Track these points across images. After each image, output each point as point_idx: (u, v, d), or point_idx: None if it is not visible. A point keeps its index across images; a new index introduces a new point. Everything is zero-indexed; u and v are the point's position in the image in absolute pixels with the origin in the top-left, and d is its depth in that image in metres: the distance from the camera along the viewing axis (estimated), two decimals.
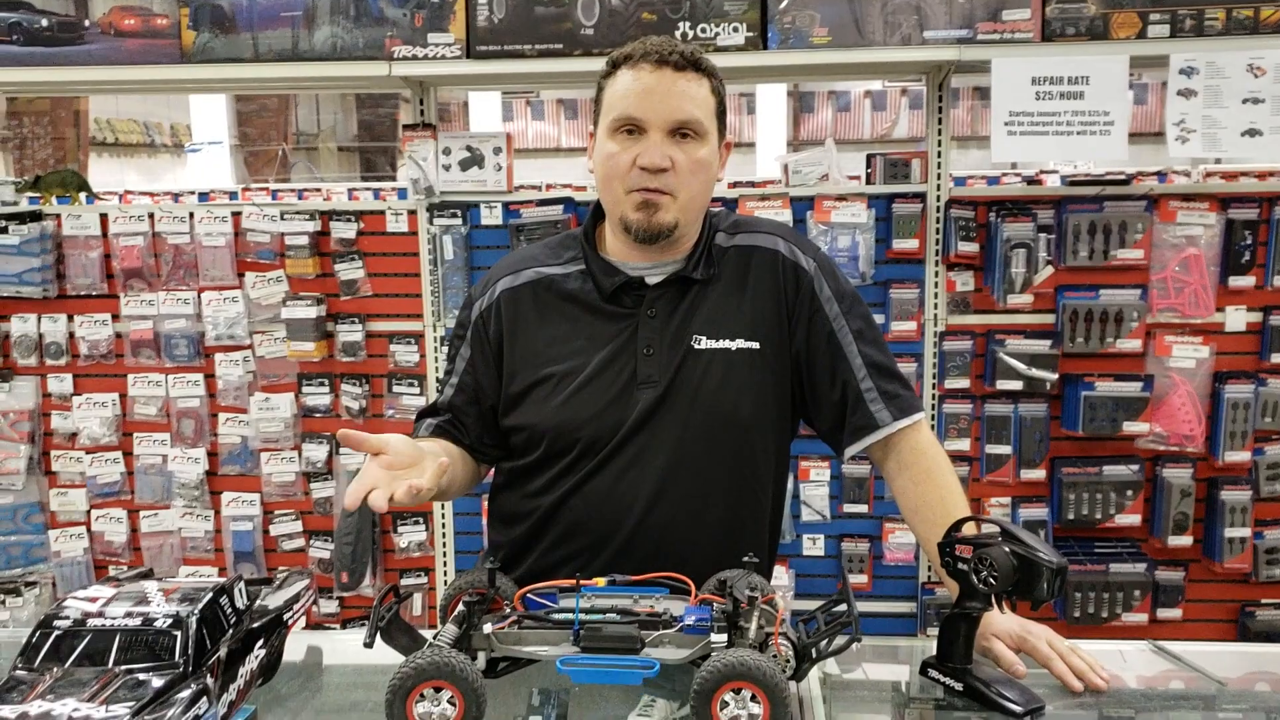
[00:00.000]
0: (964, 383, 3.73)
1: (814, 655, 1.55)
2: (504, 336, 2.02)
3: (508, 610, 1.60)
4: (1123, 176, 3.74)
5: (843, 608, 1.59)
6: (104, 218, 3.98)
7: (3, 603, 4.02)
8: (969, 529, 1.70)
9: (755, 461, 2.00)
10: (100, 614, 1.45)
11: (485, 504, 2.45)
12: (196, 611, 1.46)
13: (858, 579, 3.87)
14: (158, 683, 1.36)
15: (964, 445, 3.75)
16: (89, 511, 4.12)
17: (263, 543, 4.08)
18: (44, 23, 3.65)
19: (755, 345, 1.96)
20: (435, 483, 1.68)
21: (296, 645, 1.84)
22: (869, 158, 3.90)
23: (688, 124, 1.87)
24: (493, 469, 2.18)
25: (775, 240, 2.03)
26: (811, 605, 1.70)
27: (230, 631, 1.54)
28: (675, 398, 1.93)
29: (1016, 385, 3.66)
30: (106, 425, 4.03)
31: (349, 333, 3.90)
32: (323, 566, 4.02)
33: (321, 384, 3.97)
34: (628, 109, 1.87)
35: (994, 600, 1.63)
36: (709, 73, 1.92)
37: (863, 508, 3.88)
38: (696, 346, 1.94)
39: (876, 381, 1.99)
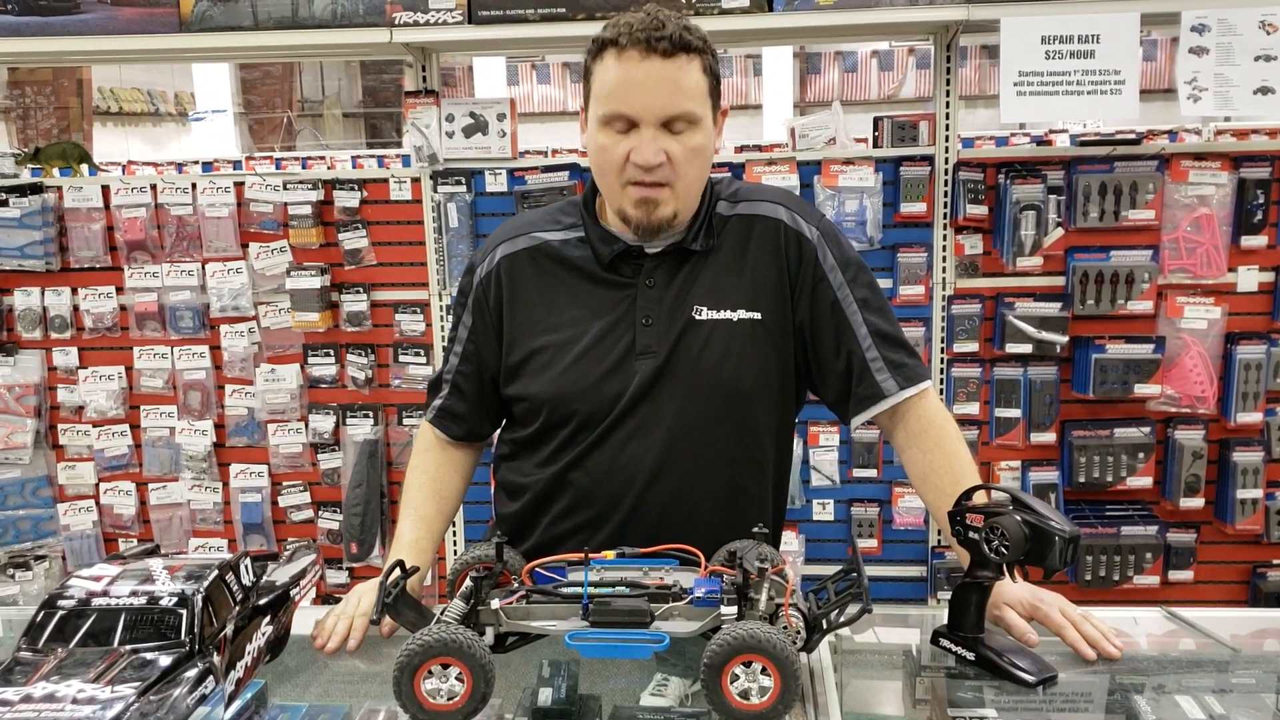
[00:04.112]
0: (973, 346, 3.70)
1: (825, 626, 1.54)
2: (504, 304, 2.00)
3: (516, 585, 1.59)
4: (1133, 136, 3.69)
5: (854, 577, 1.57)
6: (106, 189, 3.96)
7: (12, 577, 4.03)
8: (980, 497, 1.68)
9: (758, 432, 1.98)
10: (105, 593, 1.44)
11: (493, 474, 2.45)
12: (202, 589, 1.45)
13: (868, 544, 3.86)
14: (164, 662, 1.35)
15: (973, 409, 3.74)
16: (97, 485, 4.12)
17: (271, 514, 4.08)
18: None
19: (757, 316, 1.93)
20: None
21: (304, 620, 1.84)
22: (876, 120, 3.86)
23: (680, 116, 1.80)
24: (493, 442, 2.18)
25: (777, 209, 1.99)
26: (821, 570, 1.70)
27: (236, 608, 1.54)
28: (676, 369, 1.90)
29: (1026, 348, 3.64)
30: (113, 398, 4.03)
31: (354, 302, 3.89)
32: (331, 537, 4.02)
33: (327, 354, 3.95)
34: (617, 105, 1.80)
35: (1005, 569, 1.62)
36: (699, 50, 1.81)
37: (872, 472, 3.87)
38: (698, 317, 1.91)
39: (882, 351, 1.95)
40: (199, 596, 1.43)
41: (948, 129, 3.65)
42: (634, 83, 1.78)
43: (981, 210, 3.64)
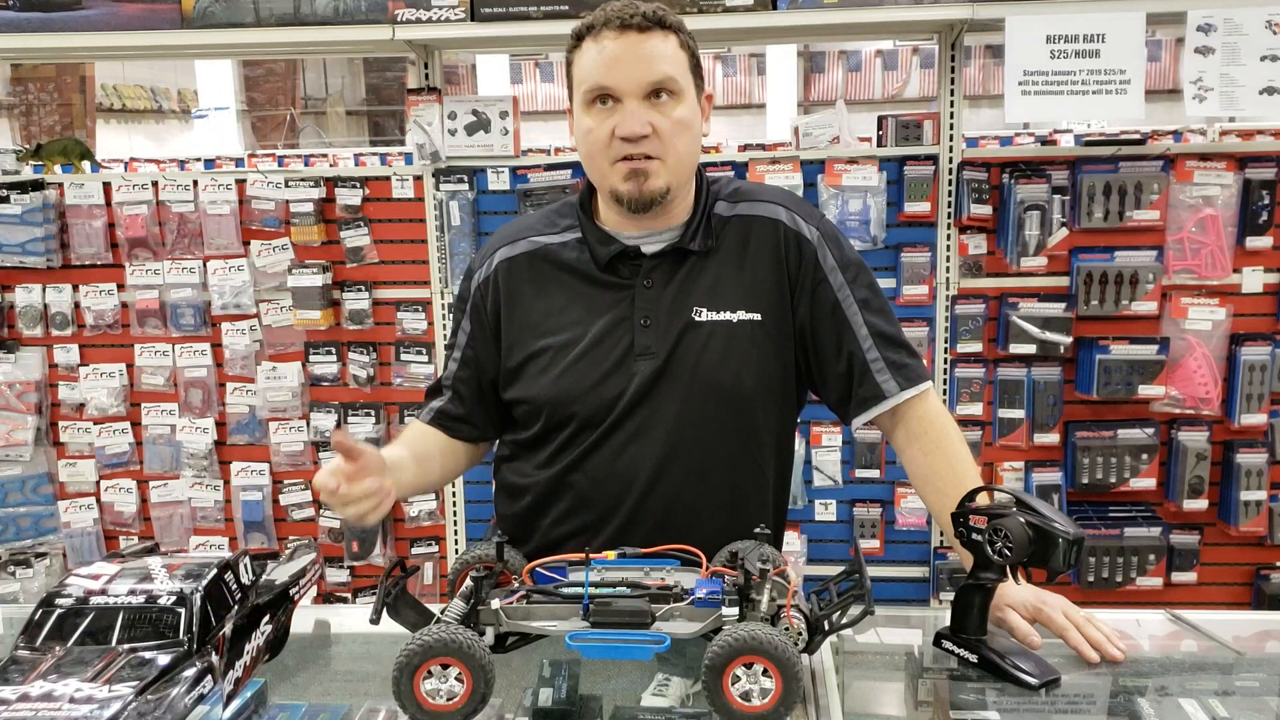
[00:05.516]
0: (976, 347, 3.69)
1: (827, 627, 1.53)
2: (502, 308, 2.00)
3: (516, 584, 1.58)
4: (1138, 136, 3.68)
5: (856, 578, 1.56)
6: (107, 186, 3.95)
7: (13, 574, 4.03)
8: (983, 499, 1.67)
9: (758, 433, 1.97)
10: (103, 592, 1.44)
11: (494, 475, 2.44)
12: (200, 588, 1.45)
13: (870, 544, 3.85)
14: (162, 661, 1.35)
15: (977, 410, 3.72)
16: (98, 482, 4.11)
17: (272, 512, 4.07)
18: None
19: (756, 317, 1.92)
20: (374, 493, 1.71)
21: (304, 619, 1.84)
22: (880, 119, 3.85)
23: (662, 84, 1.82)
24: (494, 443, 2.17)
25: (777, 209, 1.98)
26: (823, 571, 1.69)
27: (236, 608, 1.53)
28: (675, 370, 1.90)
29: (1030, 349, 3.63)
30: (114, 395, 4.02)
31: (355, 300, 3.88)
32: (333, 536, 4.02)
33: (329, 352, 3.94)
34: (598, 79, 1.82)
35: (1009, 571, 1.61)
36: (675, 28, 1.85)
37: (874, 473, 3.86)
38: (697, 319, 1.91)
39: (883, 351, 1.95)
40: (197, 595, 1.43)
41: (952, 128, 3.64)
42: (613, 58, 1.81)
43: (985, 210, 3.63)
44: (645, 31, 1.80)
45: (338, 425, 3.95)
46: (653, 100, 1.82)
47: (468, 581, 1.56)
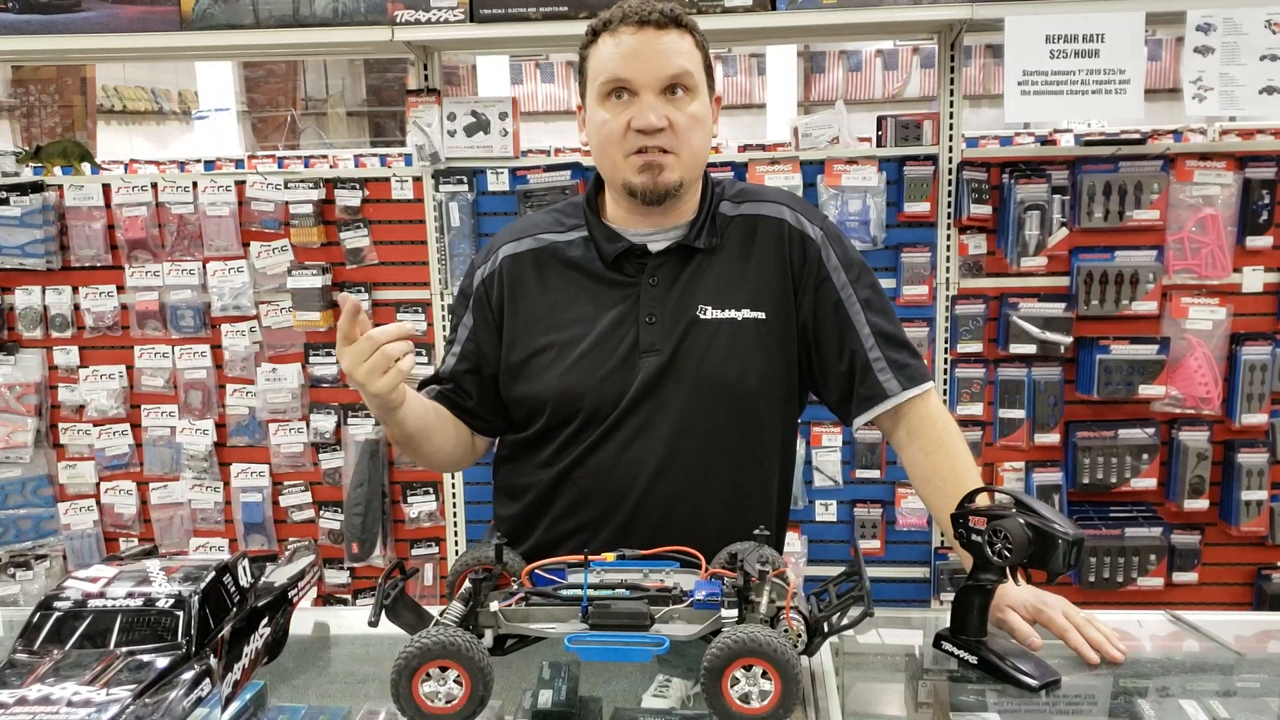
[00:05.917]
0: (977, 347, 3.69)
1: (826, 629, 1.53)
2: (505, 304, 2.00)
3: (515, 586, 1.58)
4: (1138, 135, 3.68)
5: (856, 579, 1.56)
6: (107, 188, 3.95)
7: (13, 576, 4.02)
8: (983, 499, 1.67)
9: (762, 431, 1.98)
10: (101, 594, 1.43)
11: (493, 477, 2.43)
12: (199, 591, 1.44)
13: (870, 544, 3.85)
14: (160, 664, 1.34)
15: (977, 410, 3.72)
16: (98, 484, 4.11)
17: (273, 514, 4.07)
18: None
19: (761, 315, 1.93)
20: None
21: (303, 621, 1.83)
22: (880, 119, 3.85)
23: (678, 78, 1.84)
24: (494, 443, 2.16)
25: (781, 209, 2.00)
26: (824, 571, 1.68)
27: (234, 610, 1.52)
28: (680, 367, 1.90)
29: (1030, 349, 3.62)
30: (114, 397, 4.02)
31: None
32: (333, 537, 4.01)
33: (328, 354, 3.94)
34: (615, 71, 1.84)
35: (1008, 572, 1.60)
36: (691, 28, 1.89)
37: (875, 473, 3.86)
38: (702, 316, 1.91)
39: (885, 351, 1.95)
40: (195, 598, 1.42)
41: (952, 128, 3.64)
42: (631, 52, 1.83)
43: (985, 210, 3.63)
44: (663, 28, 1.84)
45: (339, 424, 3.95)
46: (668, 95, 1.84)
47: (466, 584, 1.56)
